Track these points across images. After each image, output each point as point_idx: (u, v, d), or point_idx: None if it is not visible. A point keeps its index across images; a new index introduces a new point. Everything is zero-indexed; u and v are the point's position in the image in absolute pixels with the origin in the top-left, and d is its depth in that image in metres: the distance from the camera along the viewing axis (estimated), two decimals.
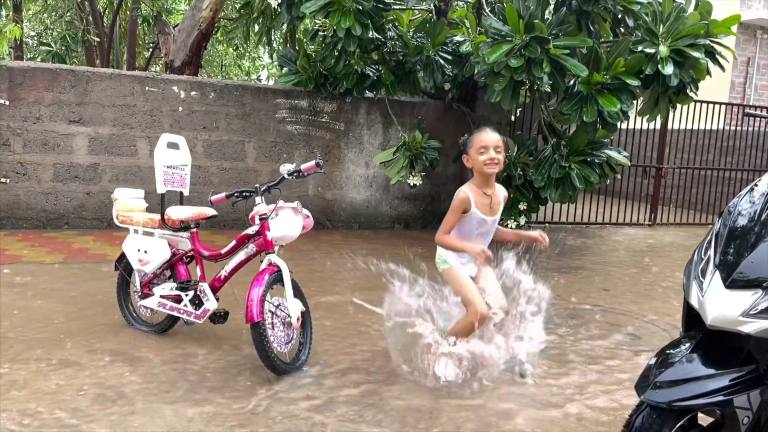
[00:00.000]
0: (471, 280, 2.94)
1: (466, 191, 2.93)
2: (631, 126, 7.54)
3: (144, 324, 3.39)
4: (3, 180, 5.69)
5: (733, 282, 1.65)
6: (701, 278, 1.76)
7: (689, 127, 8.75)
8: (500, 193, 3.04)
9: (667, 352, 1.78)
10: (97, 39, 11.76)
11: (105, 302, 3.74)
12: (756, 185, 1.93)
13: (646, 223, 8.52)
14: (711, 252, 1.80)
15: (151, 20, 11.26)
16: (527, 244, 3.00)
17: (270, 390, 2.73)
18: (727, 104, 9.33)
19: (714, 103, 8.60)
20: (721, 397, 1.62)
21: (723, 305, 1.64)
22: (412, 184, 6.11)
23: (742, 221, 1.82)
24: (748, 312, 1.60)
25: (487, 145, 2.91)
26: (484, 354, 2.91)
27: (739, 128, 9.38)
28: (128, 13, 12.33)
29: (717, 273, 1.70)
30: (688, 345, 1.77)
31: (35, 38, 14.54)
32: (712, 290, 1.68)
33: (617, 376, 3.10)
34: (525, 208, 6.09)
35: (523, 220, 6.11)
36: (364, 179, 7.02)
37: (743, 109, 10.14)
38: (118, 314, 3.47)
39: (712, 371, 1.67)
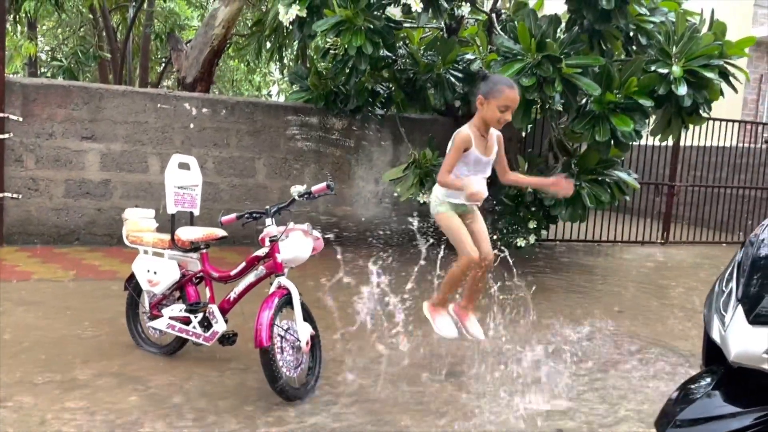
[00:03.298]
0: (464, 227, 3.10)
1: (467, 130, 3.06)
2: (643, 143, 7.48)
3: (153, 345, 3.36)
4: (15, 196, 5.72)
5: (757, 317, 1.60)
6: (723, 312, 1.71)
7: (702, 144, 8.68)
8: (494, 134, 3.18)
9: (688, 387, 1.73)
10: (109, 55, 11.87)
11: (114, 322, 3.72)
12: None
13: (659, 241, 8.43)
14: (733, 284, 1.75)
15: (164, 36, 11.37)
16: (544, 189, 3.18)
17: (279, 416, 2.69)
18: (740, 122, 9.26)
19: (727, 120, 8.53)
20: None
21: (746, 341, 1.59)
22: (422, 201, 6.06)
23: (765, 252, 1.78)
24: None
25: (510, 105, 3.02)
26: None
27: (752, 146, 9.29)
28: (141, 29, 12.45)
29: (740, 307, 1.65)
30: (709, 380, 1.72)
31: (49, 53, 14.70)
32: (734, 325, 1.63)
33: (631, 402, 3.03)
34: (535, 226, 6.03)
35: (533, 239, 6.05)
36: (374, 196, 7.00)
37: (755, 128, 10.07)
38: (126, 335, 3.45)
39: (734, 409, 1.61)
